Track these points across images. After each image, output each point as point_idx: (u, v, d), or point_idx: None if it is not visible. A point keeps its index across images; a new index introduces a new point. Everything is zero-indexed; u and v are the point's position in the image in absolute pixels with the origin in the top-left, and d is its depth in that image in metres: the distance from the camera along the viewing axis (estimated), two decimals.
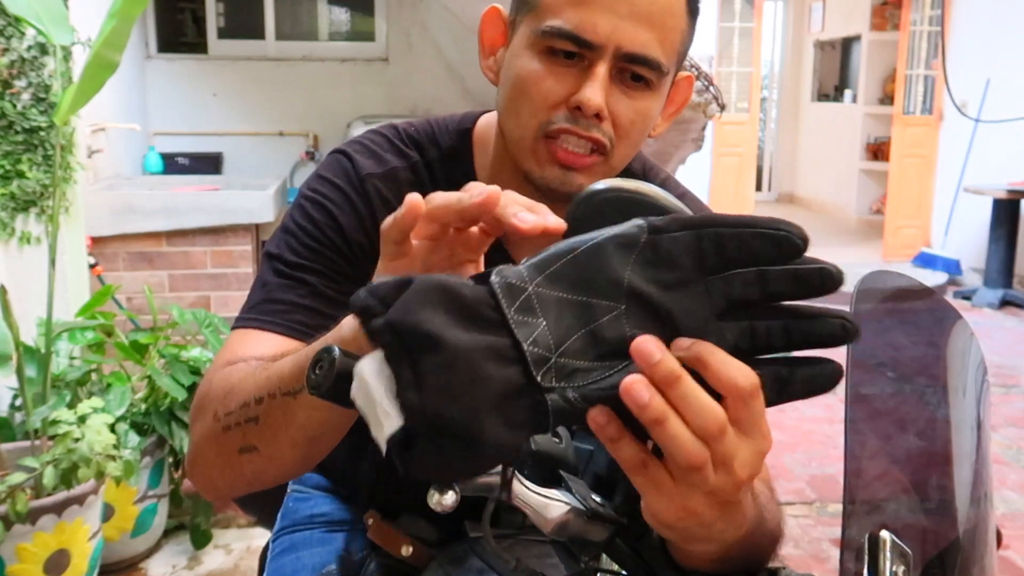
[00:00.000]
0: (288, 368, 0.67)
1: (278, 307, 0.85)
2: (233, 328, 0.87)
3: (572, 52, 0.79)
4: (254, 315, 0.85)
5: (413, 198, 0.56)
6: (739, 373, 0.47)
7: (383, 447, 0.47)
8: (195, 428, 0.79)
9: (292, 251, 0.87)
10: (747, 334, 0.49)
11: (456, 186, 0.92)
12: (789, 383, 0.49)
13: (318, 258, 0.87)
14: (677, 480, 0.49)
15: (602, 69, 0.78)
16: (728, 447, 0.48)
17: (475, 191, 0.57)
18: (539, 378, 0.47)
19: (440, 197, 0.58)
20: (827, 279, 0.48)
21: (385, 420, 0.46)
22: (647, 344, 0.46)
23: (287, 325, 0.84)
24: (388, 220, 0.59)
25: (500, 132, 0.88)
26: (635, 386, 0.46)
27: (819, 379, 0.49)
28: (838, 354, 0.51)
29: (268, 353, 0.78)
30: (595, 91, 0.78)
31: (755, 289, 0.48)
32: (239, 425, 0.72)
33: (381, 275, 0.59)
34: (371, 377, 0.47)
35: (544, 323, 0.48)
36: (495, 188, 0.57)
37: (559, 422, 0.48)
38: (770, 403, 0.49)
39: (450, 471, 0.48)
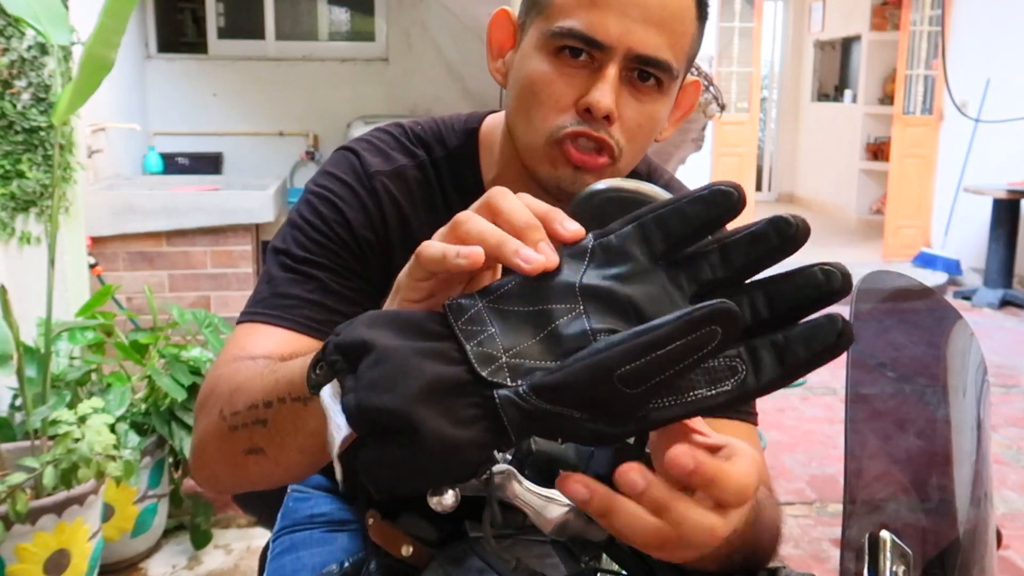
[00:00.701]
0: (298, 373, 0.65)
1: (285, 301, 0.84)
2: (239, 322, 0.86)
3: (581, 50, 0.79)
4: (260, 309, 0.84)
5: (477, 251, 0.50)
6: (737, 496, 0.47)
7: (337, 469, 0.47)
8: (199, 424, 0.78)
9: (299, 245, 0.86)
10: None
11: (463, 186, 0.93)
12: (788, 349, 0.45)
13: (326, 253, 0.86)
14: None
15: (612, 71, 0.78)
16: (693, 522, 0.48)
17: (523, 253, 0.50)
18: (484, 374, 0.46)
19: (479, 231, 0.51)
20: (781, 228, 0.47)
21: (336, 433, 0.46)
22: (630, 475, 0.45)
23: (294, 320, 0.83)
24: (435, 253, 0.52)
25: (509, 133, 0.88)
26: (571, 486, 0.46)
27: (820, 334, 0.45)
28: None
29: (275, 349, 0.78)
30: (605, 93, 0.78)
31: (721, 267, 0.48)
32: (246, 426, 0.71)
33: (401, 299, 0.56)
34: (327, 397, 0.48)
35: (493, 329, 0.47)
36: (539, 258, 0.49)
37: (517, 423, 0.45)
38: (781, 380, 0.45)
39: (402, 475, 0.45)
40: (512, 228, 0.51)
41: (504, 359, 0.46)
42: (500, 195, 0.53)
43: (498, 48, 0.89)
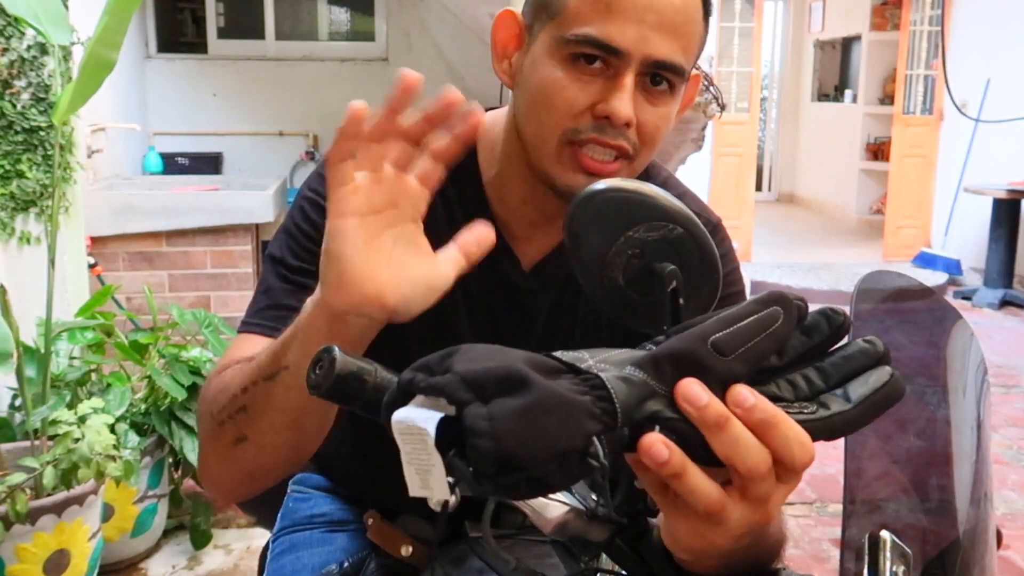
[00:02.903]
0: (266, 354, 0.72)
1: (281, 312, 0.86)
2: (239, 331, 0.89)
3: (595, 57, 0.78)
4: (258, 320, 0.87)
5: (355, 104, 0.59)
6: (799, 450, 0.47)
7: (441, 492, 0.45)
8: (199, 432, 0.83)
9: (293, 254, 0.88)
10: (787, 388, 0.50)
11: (460, 182, 0.93)
12: (849, 389, 0.49)
13: (318, 260, 0.87)
14: (707, 517, 0.49)
15: (629, 79, 0.78)
16: (766, 488, 0.48)
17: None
18: (581, 366, 0.47)
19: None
20: (831, 317, 0.50)
21: (425, 423, 0.45)
22: (692, 387, 0.45)
23: None
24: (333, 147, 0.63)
25: (515, 135, 0.88)
26: (692, 387, 0.45)
27: (873, 376, 0.49)
28: None
29: None
30: (624, 102, 0.78)
31: (777, 358, 0.50)
32: (231, 418, 0.75)
33: (332, 233, 0.65)
34: (413, 404, 0.46)
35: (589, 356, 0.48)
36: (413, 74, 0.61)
37: (624, 399, 0.45)
38: (853, 411, 0.48)
39: (518, 428, 0.42)
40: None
41: (593, 363, 0.47)
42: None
43: (503, 49, 0.88)
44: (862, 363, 0.49)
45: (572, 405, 0.43)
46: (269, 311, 0.87)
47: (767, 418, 0.46)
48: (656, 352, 0.47)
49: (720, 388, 0.46)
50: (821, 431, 0.48)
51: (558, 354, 0.47)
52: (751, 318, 0.47)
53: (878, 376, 0.49)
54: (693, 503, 0.47)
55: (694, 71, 0.90)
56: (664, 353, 0.47)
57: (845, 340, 0.51)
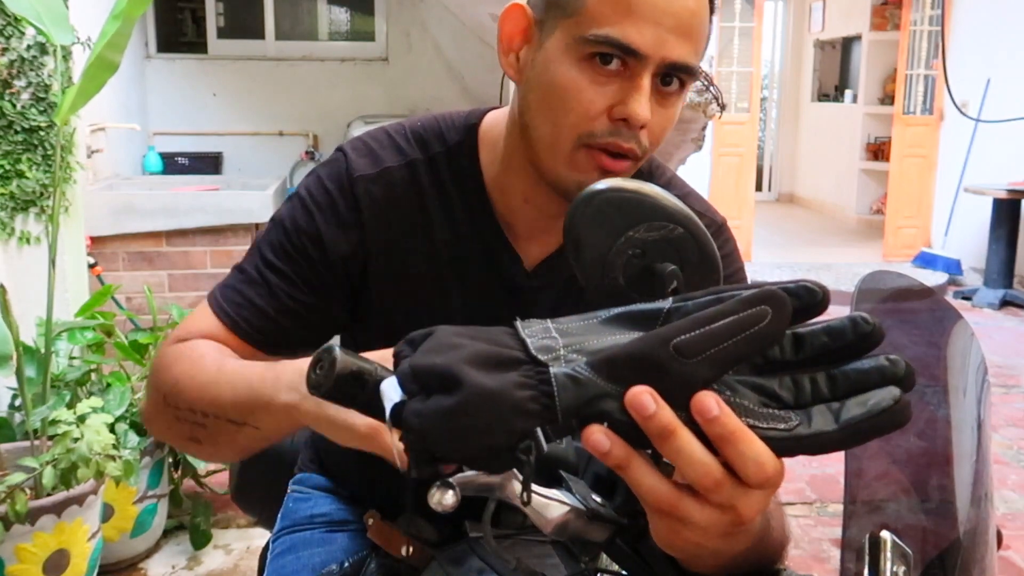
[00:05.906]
0: (229, 399, 0.77)
1: (237, 299, 0.91)
2: (207, 298, 0.93)
3: (611, 57, 0.78)
4: (219, 296, 0.92)
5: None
6: (754, 468, 0.46)
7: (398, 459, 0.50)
8: (149, 394, 0.88)
9: (271, 248, 0.92)
10: (789, 387, 0.48)
11: (462, 181, 0.93)
12: (844, 408, 0.46)
13: (289, 262, 0.91)
14: (674, 516, 0.48)
15: (647, 81, 0.78)
16: (725, 496, 0.47)
17: None
18: (542, 358, 0.47)
19: None
20: (859, 324, 0.47)
21: (387, 401, 0.49)
22: (640, 397, 0.45)
23: (233, 320, 0.90)
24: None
25: (517, 132, 0.87)
26: (641, 397, 0.45)
27: (875, 396, 0.46)
28: None
29: (207, 334, 0.89)
30: (643, 105, 0.78)
31: (792, 351, 0.48)
32: (187, 422, 0.81)
33: None
34: (387, 390, 0.50)
35: (557, 337, 0.48)
36: None
37: (567, 400, 0.46)
38: (838, 434, 0.46)
39: (444, 427, 0.45)
40: None
41: (563, 352, 0.48)
42: None
43: (509, 42, 0.86)
44: (875, 381, 0.47)
45: (501, 405, 0.45)
46: (231, 293, 0.91)
47: (726, 433, 0.45)
48: (615, 352, 0.46)
49: (684, 390, 0.45)
50: (790, 449, 0.47)
51: (541, 326, 0.49)
52: (728, 319, 0.45)
53: (880, 399, 0.45)
54: (643, 497, 0.48)
55: None
56: (623, 354, 0.46)
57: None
